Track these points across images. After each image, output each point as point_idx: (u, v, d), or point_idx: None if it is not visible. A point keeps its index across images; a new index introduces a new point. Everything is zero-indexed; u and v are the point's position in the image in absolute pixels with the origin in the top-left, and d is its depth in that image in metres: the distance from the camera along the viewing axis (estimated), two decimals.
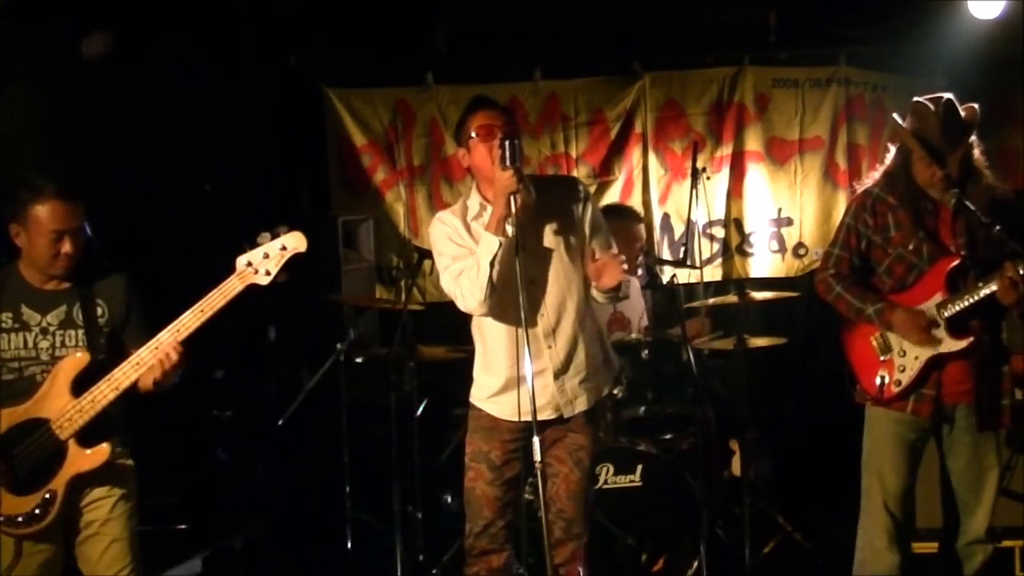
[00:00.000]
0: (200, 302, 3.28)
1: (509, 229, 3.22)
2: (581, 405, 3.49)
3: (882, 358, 3.62)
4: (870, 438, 3.72)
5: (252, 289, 3.29)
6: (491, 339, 3.48)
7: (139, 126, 5.37)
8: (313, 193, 6.38)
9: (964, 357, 3.55)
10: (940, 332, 3.53)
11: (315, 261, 5.68)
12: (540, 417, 3.29)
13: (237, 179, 5.86)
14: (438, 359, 4.98)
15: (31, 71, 5.04)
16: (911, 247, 3.60)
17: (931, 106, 3.58)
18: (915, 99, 3.69)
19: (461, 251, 3.39)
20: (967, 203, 3.51)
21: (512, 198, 3.17)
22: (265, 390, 5.83)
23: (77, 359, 3.31)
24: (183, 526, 5.20)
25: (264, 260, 3.28)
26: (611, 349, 3.71)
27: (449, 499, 5.01)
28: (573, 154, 6.44)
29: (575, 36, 6.29)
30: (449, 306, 3.54)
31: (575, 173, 6.38)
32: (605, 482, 4.47)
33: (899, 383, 3.58)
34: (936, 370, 3.56)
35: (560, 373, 3.45)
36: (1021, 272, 3.37)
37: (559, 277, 3.43)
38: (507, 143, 3.19)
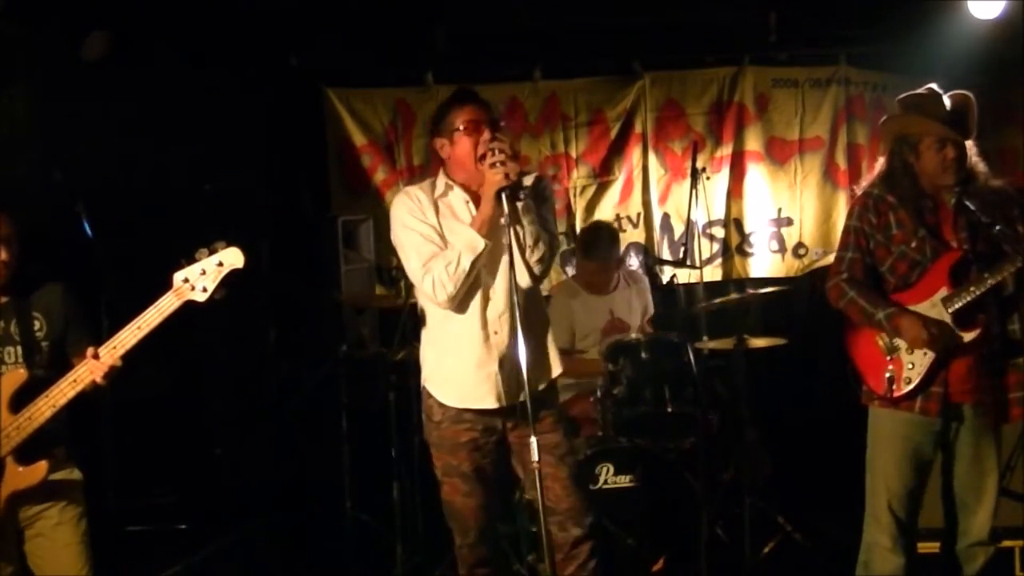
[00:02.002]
0: (136, 319, 3.23)
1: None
2: (522, 396, 3.30)
3: (889, 357, 3.61)
4: (875, 439, 3.69)
5: (190, 306, 3.25)
6: (452, 332, 3.45)
7: (139, 126, 5.37)
8: (313, 193, 6.36)
9: (972, 351, 3.53)
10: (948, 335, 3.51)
11: (315, 261, 5.77)
12: (482, 406, 3.40)
13: (237, 179, 5.85)
14: None
15: (31, 71, 5.04)
16: (913, 245, 3.58)
17: (926, 94, 3.61)
18: (903, 95, 3.70)
19: (429, 231, 3.41)
20: (967, 203, 3.51)
21: (502, 196, 3.18)
22: (265, 390, 5.82)
23: (15, 376, 3.27)
24: (183, 526, 5.21)
25: (201, 276, 3.24)
26: (554, 350, 3.61)
27: None
28: (573, 154, 6.44)
29: (575, 36, 6.27)
30: None
31: (575, 173, 6.40)
32: (605, 482, 4.45)
33: (909, 381, 3.55)
34: (943, 368, 3.54)
35: (504, 363, 3.40)
36: None
37: (504, 269, 3.35)
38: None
